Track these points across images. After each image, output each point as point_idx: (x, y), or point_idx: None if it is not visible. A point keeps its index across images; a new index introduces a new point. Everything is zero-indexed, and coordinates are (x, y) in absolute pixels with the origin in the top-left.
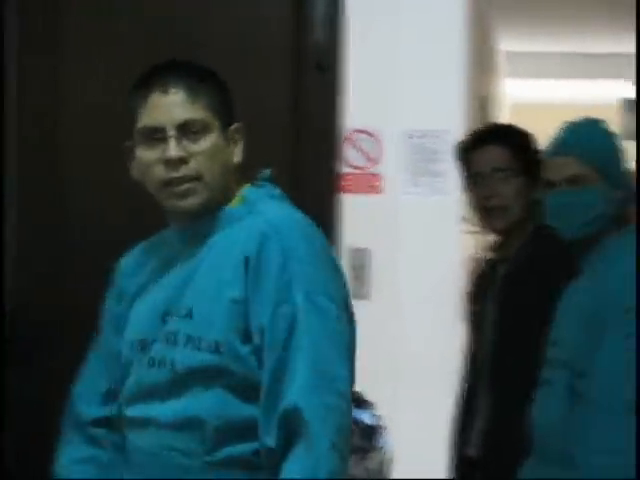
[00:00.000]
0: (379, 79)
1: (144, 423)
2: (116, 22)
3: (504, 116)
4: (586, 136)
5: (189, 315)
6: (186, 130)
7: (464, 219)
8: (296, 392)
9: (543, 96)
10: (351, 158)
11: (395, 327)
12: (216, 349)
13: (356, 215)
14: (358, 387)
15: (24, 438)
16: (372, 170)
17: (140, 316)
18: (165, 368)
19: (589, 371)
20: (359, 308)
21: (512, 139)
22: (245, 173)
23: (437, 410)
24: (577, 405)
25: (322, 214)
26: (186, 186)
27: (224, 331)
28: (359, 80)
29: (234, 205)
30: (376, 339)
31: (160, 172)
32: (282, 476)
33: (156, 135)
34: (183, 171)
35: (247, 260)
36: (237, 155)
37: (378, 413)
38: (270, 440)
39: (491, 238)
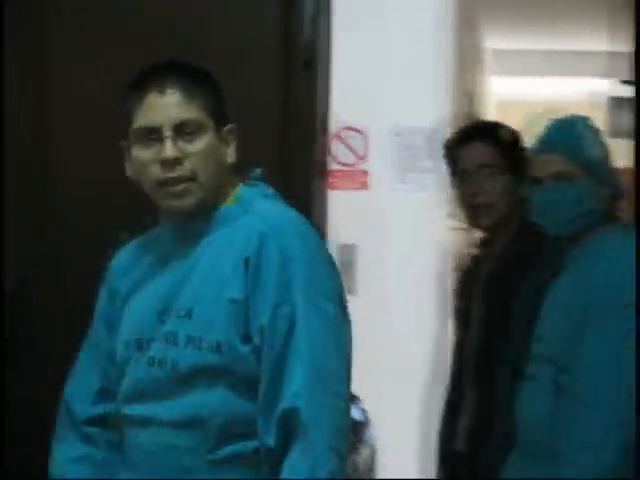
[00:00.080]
0: (366, 77)
1: (145, 421)
2: (109, 21)
3: (490, 113)
4: (572, 133)
5: (188, 315)
6: (182, 130)
7: (451, 216)
8: (295, 393)
9: (529, 94)
10: (339, 155)
11: (381, 322)
12: (217, 349)
13: (343, 211)
14: None
15: (24, 438)
16: (359, 167)
17: (135, 315)
18: (166, 368)
19: (573, 366)
20: None
21: (498, 136)
22: (234, 170)
23: (422, 405)
24: (562, 400)
25: (310, 210)
26: (182, 186)
27: (224, 331)
28: (347, 78)
29: (229, 204)
30: (362, 334)
31: (156, 172)
32: (282, 476)
33: (152, 135)
34: (179, 171)
35: (247, 260)
36: (230, 155)
37: (364, 408)
38: (270, 439)
39: (477, 235)
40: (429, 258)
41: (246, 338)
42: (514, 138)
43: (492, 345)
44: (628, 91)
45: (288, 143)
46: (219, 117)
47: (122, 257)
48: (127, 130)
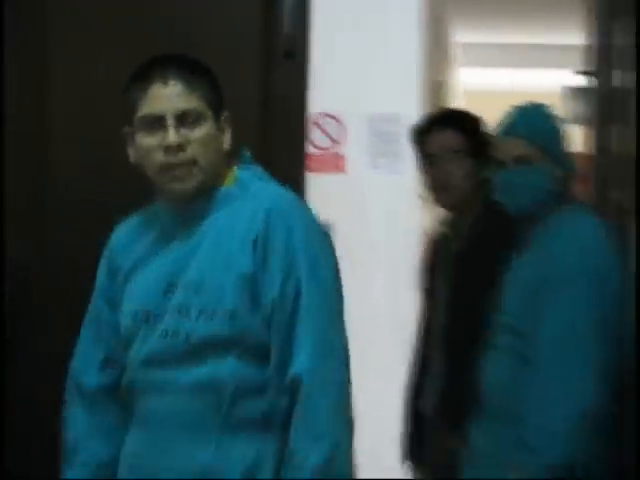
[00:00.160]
0: (343, 67)
1: (159, 387)
2: (109, 21)
3: (457, 102)
4: (533, 119)
5: (199, 288)
6: (184, 119)
7: (420, 196)
8: (302, 361)
9: (494, 84)
10: (317, 140)
11: (358, 296)
12: (229, 319)
13: (321, 193)
14: None
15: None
16: (336, 151)
17: (141, 288)
18: (179, 339)
19: (532, 335)
20: None
21: (463, 123)
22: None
23: (393, 374)
24: (522, 367)
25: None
26: (183, 170)
27: (235, 303)
28: (325, 68)
29: (229, 185)
30: None
31: (159, 157)
32: (289, 442)
33: (156, 123)
34: (181, 157)
35: (255, 239)
36: (226, 142)
37: None
38: (283, 402)
39: (444, 214)
40: (401, 235)
41: (255, 309)
42: (477, 125)
43: (458, 317)
44: (584, 81)
45: (270, 128)
46: (217, 107)
47: (121, 234)
48: (128, 120)
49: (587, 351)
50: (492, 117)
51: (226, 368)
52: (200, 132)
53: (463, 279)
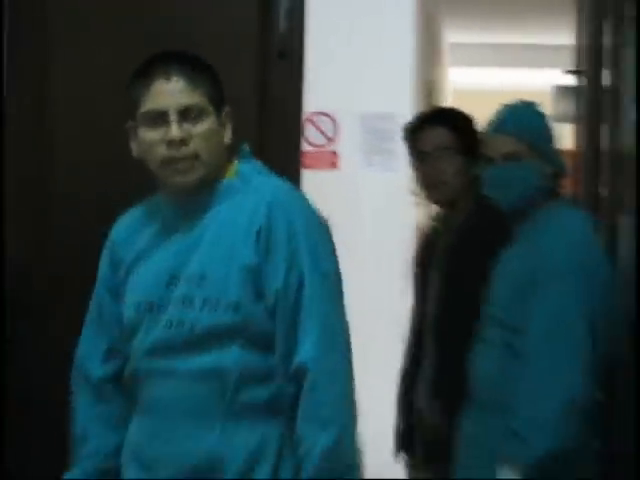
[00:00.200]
0: (337, 67)
1: (164, 374)
2: (110, 21)
3: (448, 101)
4: (521, 117)
5: (203, 279)
6: (186, 114)
7: (413, 192)
8: (308, 349)
9: (483, 83)
10: (311, 137)
11: (351, 290)
12: (232, 310)
13: (316, 189)
14: None
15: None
16: (330, 148)
17: (144, 280)
18: (184, 329)
19: (521, 328)
20: None
21: (454, 121)
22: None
23: (388, 369)
24: (511, 359)
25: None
26: (186, 164)
27: (239, 294)
28: (320, 68)
29: (230, 179)
30: None
31: (162, 151)
32: (297, 430)
33: (159, 118)
34: (183, 151)
35: (259, 232)
36: (227, 136)
37: None
38: (290, 389)
39: (436, 210)
40: (395, 231)
41: (258, 299)
42: (468, 123)
43: (450, 309)
44: (573, 80)
45: (266, 126)
46: (218, 103)
47: (122, 227)
48: (131, 115)
49: (575, 343)
50: (483, 115)
51: (230, 356)
52: (202, 127)
53: (454, 272)
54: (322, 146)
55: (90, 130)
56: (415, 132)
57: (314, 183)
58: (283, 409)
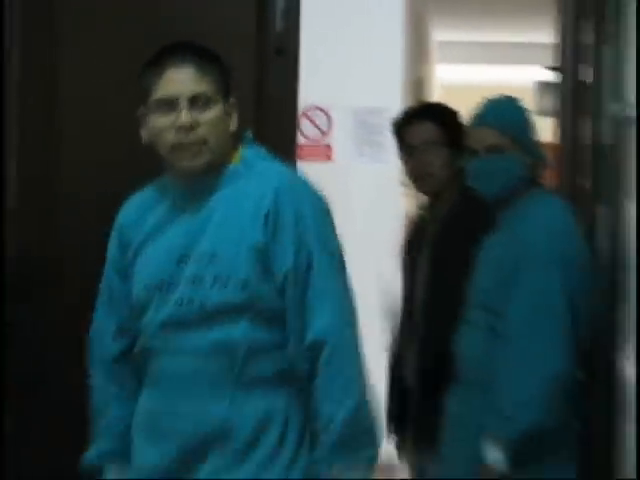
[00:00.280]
0: (331, 63)
1: (175, 350)
2: (118, 21)
3: (436, 96)
4: (504, 111)
5: (214, 257)
6: (195, 102)
7: (402, 183)
8: (322, 324)
9: (470, 79)
10: (307, 131)
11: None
12: (242, 287)
13: (311, 179)
14: None
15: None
16: (324, 141)
17: (154, 260)
18: (194, 306)
19: (503, 311)
20: None
21: (441, 116)
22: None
23: (380, 356)
24: (494, 340)
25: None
26: (194, 149)
27: (248, 272)
28: (314, 64)
29: (236, 163)
30: None
31: (171, 136)
32: (315, 401)
33: (169, 105)
34: (191, 137)
35: (267, 214)
36: (233, 124)
37: None
38: (304, 364)
39: (424, 199)
40: (385, 219)
41: (267, 278)
42: (454, 117)
43: (437, 294)
44: (553, 76)
45: (263, 121)
46: (226, 91)
47: (130, 209)
48: (143, 102)
49: (555, 323)
50: (470, 110)
51: (239, 331)
52: (210, 114)
53: (440, 258)
54: (317, 139)
55: (97, 130)
56: (403, 126)
57: (309, 175)
58: (290, 381)
